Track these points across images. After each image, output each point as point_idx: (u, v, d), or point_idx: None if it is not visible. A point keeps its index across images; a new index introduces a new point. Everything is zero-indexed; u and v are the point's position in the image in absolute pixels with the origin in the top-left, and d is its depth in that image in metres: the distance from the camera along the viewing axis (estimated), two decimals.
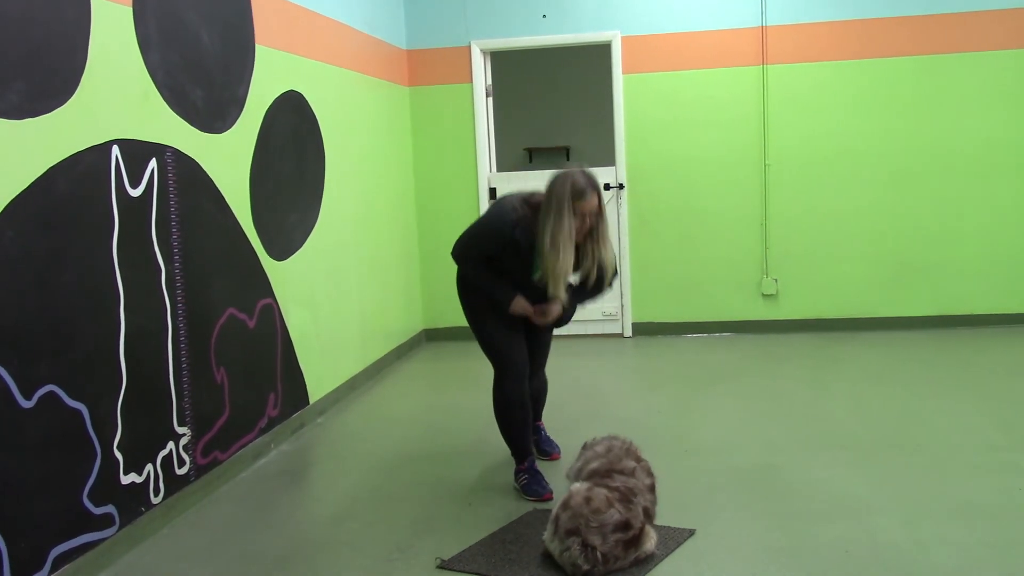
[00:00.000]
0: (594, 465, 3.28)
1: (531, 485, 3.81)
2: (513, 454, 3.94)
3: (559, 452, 4.30)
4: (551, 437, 4.41)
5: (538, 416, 4.37)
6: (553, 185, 3.61)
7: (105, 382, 3.30)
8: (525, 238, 3.66)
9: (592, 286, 3.83)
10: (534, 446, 4.21)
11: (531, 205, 3.69)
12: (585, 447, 3.54)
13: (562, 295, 3.68)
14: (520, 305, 3.80)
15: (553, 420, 4.68)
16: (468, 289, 3.94)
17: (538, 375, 4.21)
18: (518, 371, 3.87)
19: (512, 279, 3.80)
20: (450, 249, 3.90)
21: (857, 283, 6.95)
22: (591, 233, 3.67)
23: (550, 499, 3.74)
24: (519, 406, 3.87)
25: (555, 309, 3.80)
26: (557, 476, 3.90)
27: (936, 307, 6.90)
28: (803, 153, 6.90)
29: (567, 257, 3.57)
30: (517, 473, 3.89)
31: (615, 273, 3.87)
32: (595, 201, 3.60)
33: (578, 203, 3.55)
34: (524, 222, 3.66)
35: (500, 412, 3.92)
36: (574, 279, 3.83)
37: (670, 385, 5.66)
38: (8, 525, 2.82)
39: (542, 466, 4.10)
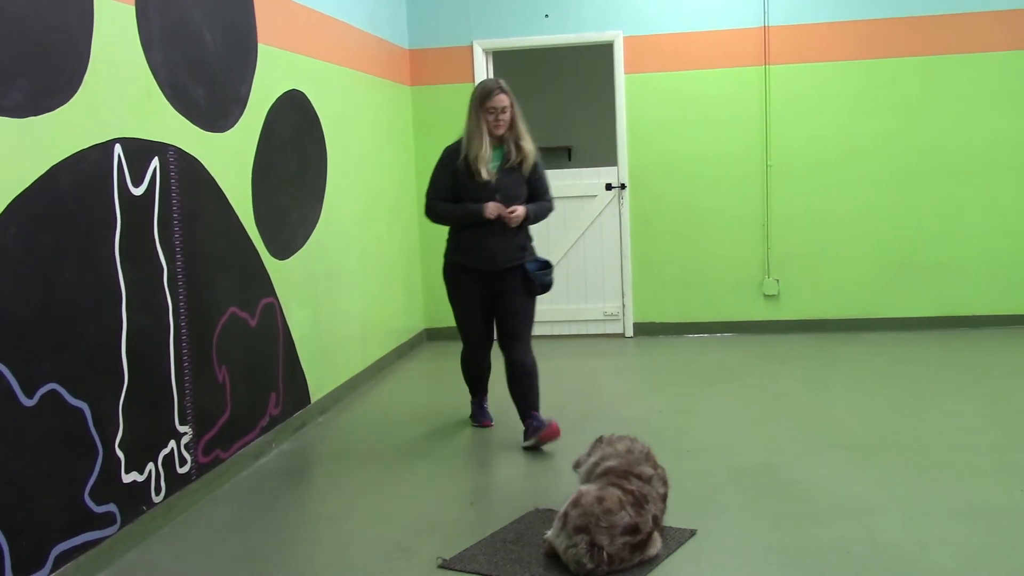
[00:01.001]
0: (612, 463, 3.27)
1: (476, 414, 4.86)
2: (470, 391, 4.91)
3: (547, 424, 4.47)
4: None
5: (534, 404, 4.49)
6: (471, 95, 4.48)
7: (107, 381, 3.30)
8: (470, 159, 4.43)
9: (530, 182, 4.52)
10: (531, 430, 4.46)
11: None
12: (601, 441, 3.50)
13: (486, 176, 4.38)
14: (493, 206, 4.39)
15: (554, 419, 4.67)
16: (449, 270, 4.63)
17: (515, 349, 4.50)
18: (474, 340, 4.67)
19: (477, 194, 4.43)
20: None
21: (859, 284, 6.95)
22: (512, 130, 4.45)
23: (488, 425, 4.76)
24: (473, 363, 4.76)
25: (519, 210, 4.41)
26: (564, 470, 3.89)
27: (937, 308, 6.89)
28: (805, 153, 6.90)
29: (480, 142, 4.38)
30: (471, 404, 4.91)
31: (551, 200, 4.66)
32: (504, 98, 4.39)
33: (487, 102, 4.37)
34: (457, 145, 4.50)
35: (462, 367, 4.82)
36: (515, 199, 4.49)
37: (671, 385, 5.66)
38: (9, 523, 2.82)
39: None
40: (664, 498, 3.24)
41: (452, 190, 4.47)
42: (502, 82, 4.45)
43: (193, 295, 3.87)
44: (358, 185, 5.93)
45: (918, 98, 6.76)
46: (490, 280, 4.50)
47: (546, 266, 4.58)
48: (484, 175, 4.36)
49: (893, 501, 3.58)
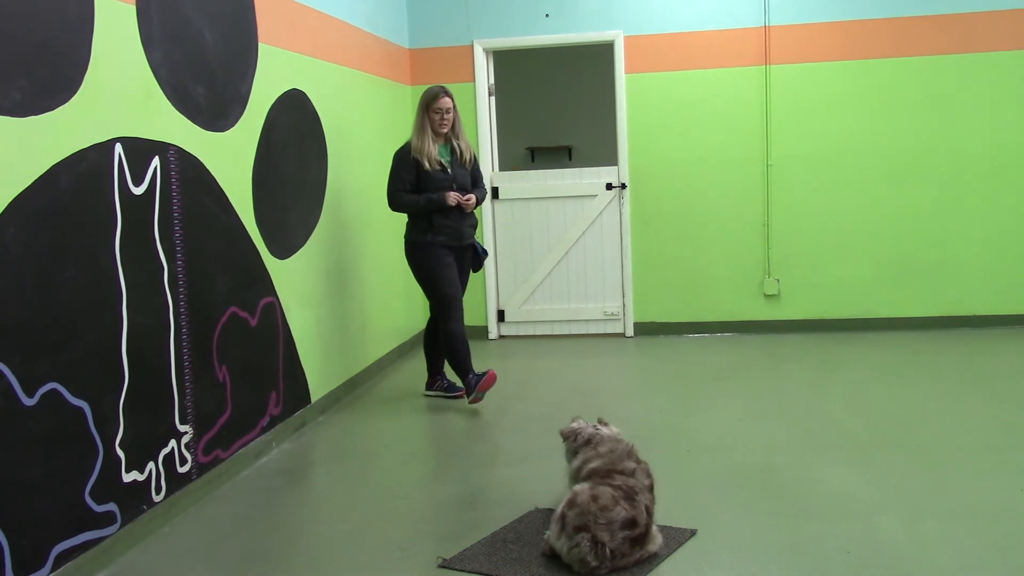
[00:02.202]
0: (594, 464, 3.29)
1: (476, 381, 5.11)
2: (460, 373, 5.20)
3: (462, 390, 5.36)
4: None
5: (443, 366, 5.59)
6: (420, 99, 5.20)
7: (107, 380, 3.30)
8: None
9: (472, 172, 5.34)
10: (443, 390, 5.54)
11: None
12: (589, 442, 3.45)
13: (429, 167, 5.09)
14: (454, 196, 5.09)
15: (555, 419, 4.67)
16: (413, 248, 5.23)
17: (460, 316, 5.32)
18: (459, 311, 5.21)
19: (435, 183, 5.12)
20: None
21: (859, 284, 6.95)
22: (455, 131, 5.19)
23: (493, 374, 5.12)
24: (463, 339, 5.20)
25: (472, 198, 5.20)
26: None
27: (938, 308, 6.89)
28: (805, 153, 6.90)
29: (425, 139, 5.09)
30: (468, 382, 5.15)
31: (484, 187, 5.52)
32: (447, 100, 5.10)
33: (432, 104, 5.08)
34: (407, 147, 5.17)
35: (451, 345, 5.18)
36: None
37: (672, 385, 5.67)
38: (10, 522, 2.82)
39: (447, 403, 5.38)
40: (651, 488, 3.24)
41: (413, 183, 5.14)
42: (446, 88, 5.19)
43: (193, 294, 3.87)
44: (359, 184, 5.93)
45: (919, 98, 6.76)
46: (456, 254, 5.26)
47: (484, 250, 5.49)
48: (428, 166, 5.08)
49: (893, 501, 3.58)
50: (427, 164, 5.08)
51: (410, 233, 5.27)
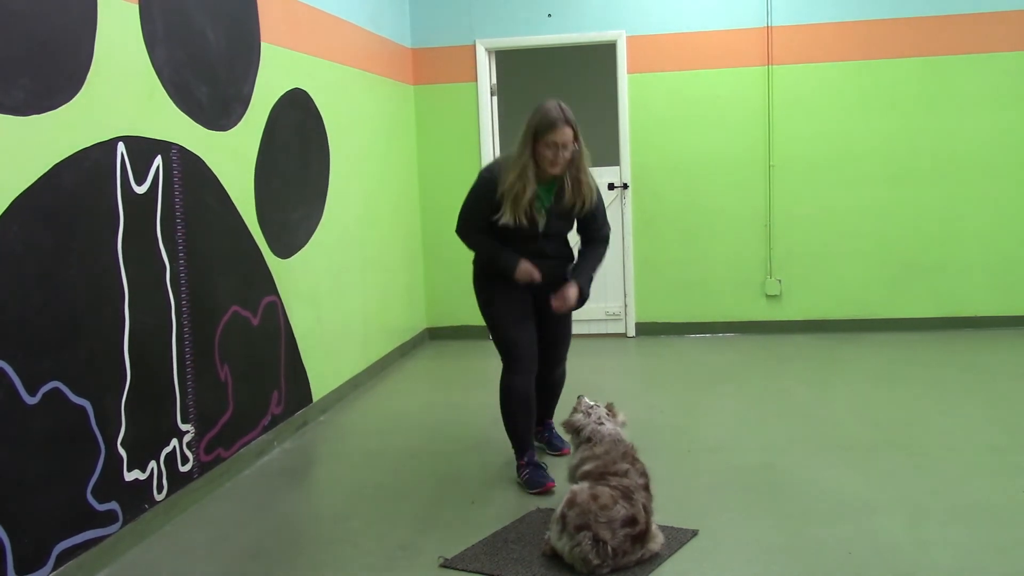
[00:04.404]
0: (588, 467, 3.29)
1: (533, 477, 3.84)
2: (514, 448, 3.96)
3: (569, 448, 4.12)
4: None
5: (549, 413, 4.36)
6: (527, 119, 3.65)
7: (109, 379, 3.30)
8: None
9: (590, 237, 3.86)
10: (544, 443, 4.29)
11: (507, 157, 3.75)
12: (590, 440, 3.46)
13: (523, 220, 3.68)
14: (525, 269, 3.76)
15: (555, 418, 4.67)
16: (481, 277, 3.95)
17: (557, 369, 4.20)
18: (525, 364, 3.88)
19: (516, 247, 3.79)
20: (452, 250, 4.01)
21: (861, 284, 6.95)
22: (572, 165, 3.67)
23: (552, 488, 3.76)
24: (523, 400, 3.89)
25: (571, 292, 3.76)
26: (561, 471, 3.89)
27: (940, 309, 6.89)
28: (807, 154, 6.90)
29: (523, 180, 3.58)
30: (519, 469, 3.94)
31: (607, 228, 3.92)
32: (567, 132, 3.57)
33: (547, 134, 3.55)
34: (495, 172, 3.73)
35: (504, 405, 3.93)
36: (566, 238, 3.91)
37: (673, 385, 5.67)
38: (12, 521, 2.82)
39: (549, 461, 4.11)
40: (646, 487, 3.24)
41: (487, 220, 3.76)
42: (566, 110, 3.61)
43: (195, 294, 3.87)
44: (361, 184, 5.93)
45: (921, 98, 6.75)
46: (536, 290, 3.90)
47: (585, 292, 3.92)
48: (513, 219, 3.66)
49: (894, 501, 3.58)
50: (511, 217, 3.66)
51: (478, 258, 4.00)
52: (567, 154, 3.63)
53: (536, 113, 3.63)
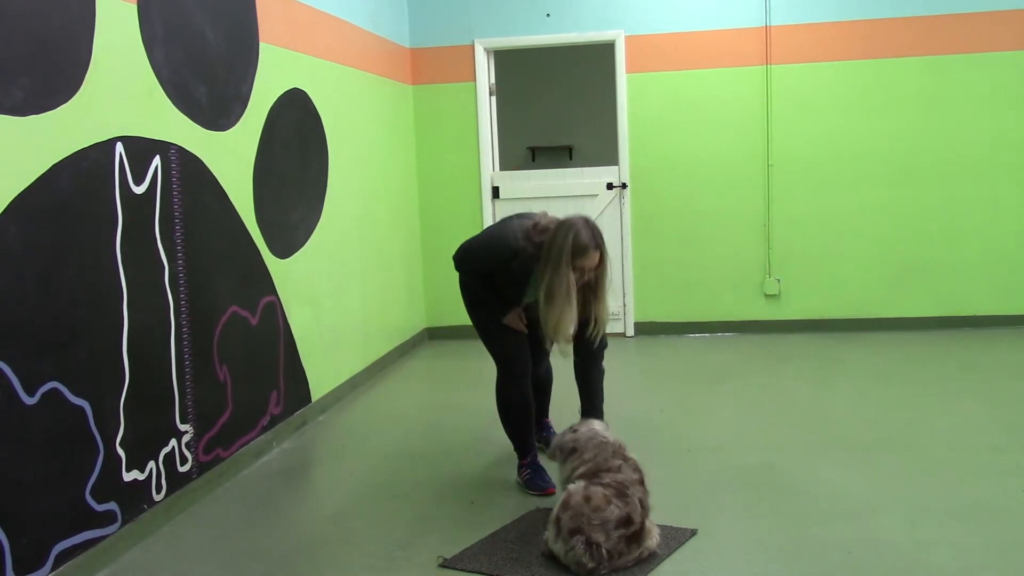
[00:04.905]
0: (580, 471, 3.28)
1: (534, 479, 3.87)
2: (516, 449, 4.00)
3: (555, 487, 4.00)
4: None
5: (544, 412, 4.39)
6: (555, 236, 3.59)
7: (108, 379, 3.30)
8: (521, 270, 3.71)
9: (585, 344, 3.78)
10: (543, 443, 4.27)
11: (534, 242, 3.67)
12: (575, 451, 3.43)
13: (567, 351, 3.72)
14: (513, 320, 3.88)
15: (555, 418, 4.67)
16: (470, 286, 3.97)
17: (539, 367, 4.22)
18: (519, 369, 3.94)
19: (507, 297, 3.86)
20: (452, 250, 4.01)
21: (860, 283, 6.95)
22: (590, 286, 3.67)
23: (552, 493, 3.77)
24: (520, 404, 3.95)
25: (569, 350, 3.78)
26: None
27: (939, 308, 6.89)
28: (806, 153, 6.90)
29: (567, 314, 3.55)
30: (520, 468, 3.96)
31: (604, 342, 3.85)
32: (596, 257, 3.60)
33: (579, 259, 3.55)
34: (523, 255, 3.68)
35: (502, 409, 4.00)
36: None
37: (672, 384, 5.66)
38: (10, 521, 2.82)
39: (547, 462, 4.10)
40: (641, 481, 3.23)
41: (489, 273, 3.85)
42: (597, 233, 3.65)
43: (194, 294, 3.87)
44: (360, 184, 5.92)
45: (920, 98, 6.75)
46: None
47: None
48: (554, 342, 3.69)
49: (894, 501, 3.57)
50: (519, 297, 3.81)
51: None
52: (591, 277, 3.65)
53: (569, 238, 3.56)
